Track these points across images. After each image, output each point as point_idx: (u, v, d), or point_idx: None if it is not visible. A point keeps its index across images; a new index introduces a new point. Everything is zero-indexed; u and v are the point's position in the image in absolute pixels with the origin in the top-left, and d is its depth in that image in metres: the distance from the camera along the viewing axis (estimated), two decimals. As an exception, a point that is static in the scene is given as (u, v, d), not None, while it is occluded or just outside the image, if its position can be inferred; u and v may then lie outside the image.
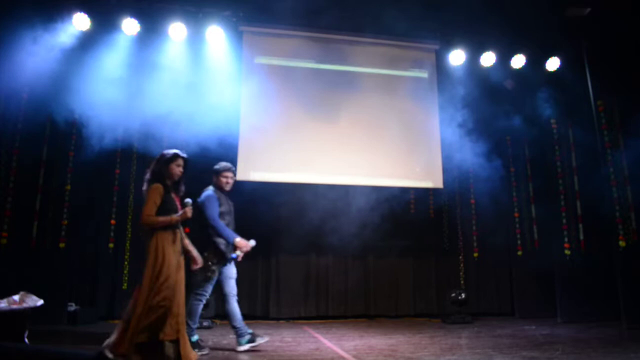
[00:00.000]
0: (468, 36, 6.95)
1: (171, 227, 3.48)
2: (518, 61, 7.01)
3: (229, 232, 4.29)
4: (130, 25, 6.12)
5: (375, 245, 7.03)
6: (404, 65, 7.10)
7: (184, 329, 3.43)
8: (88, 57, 5.99)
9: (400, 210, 6.86)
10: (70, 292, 5.97)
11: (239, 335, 4.30)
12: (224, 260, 4.31)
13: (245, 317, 5.00)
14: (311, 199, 6.48)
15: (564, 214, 6.92)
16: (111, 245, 6.37)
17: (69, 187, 6.08)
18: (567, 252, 6.74)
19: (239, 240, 4.29)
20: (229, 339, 4.85)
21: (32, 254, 5.77)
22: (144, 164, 6.48)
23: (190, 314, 4.15)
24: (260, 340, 4.28)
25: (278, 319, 6.58)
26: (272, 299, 6.70)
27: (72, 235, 6.00)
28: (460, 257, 7.36)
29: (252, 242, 4.35)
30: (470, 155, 7.16)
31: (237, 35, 6.64)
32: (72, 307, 5.84)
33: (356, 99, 6.85)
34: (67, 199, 6.05)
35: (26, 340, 3.81)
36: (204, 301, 4.33)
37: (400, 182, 6.80)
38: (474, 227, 7.39)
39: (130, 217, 6.46)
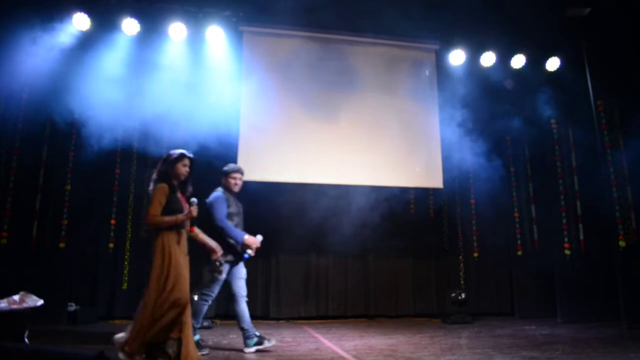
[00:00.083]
0: (468, 36, 6.95)
1: (177, 227, 3.48)
2: (518, 61, 7.00)
3: (237, 232, 4.30)
4: (130, 25, 6.12)
5: (375, 245, 7.03)
6: (404, 65, 7.10)
7: (187, 328, 3.43)
8: (88, 57, 5.99)
9: (400, 210, 6.87)
10: (70, 292, 5.97)
11: (246, 337, 4.30)
12: (235, 258, 4.31)
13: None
14: (311, 198, 6.49)
15: (564, 214, 6.92)
16: (111, 245, 6.38)
17: (69, 187, 6.08)
18: (567, 252, 6.74)
19: (247, 237, 4.31)
20: (229, 339, 4.86)
21: (32, 254, 5.77)
22: (144, 164, 6.50)
23: (194, 313, 4.16)
24: (267, 344, 4.28)
25: (278, 319, 6.58)
26: (272, 299, 6.70)
27: (72, 235, 6.00)
28: (460, 257, 7.36)
29: (259, 237, 4.38)
30: (470, 155, 7.16)
31: (237, 35, 6.63)
32: (72, 307, 5.85)
33: (356, 99, 6.85)
34: (67, 199, 6.05)
35: (26, 340, 3.81)
36: (210, 302, 4.32)
37: (400, 182, 6.79)
38: (474, 227, 7.39)
39: (130, 217, 6.46)
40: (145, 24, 6.20)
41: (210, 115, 5.85)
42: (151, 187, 3.56)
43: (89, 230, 6.27)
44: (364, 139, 6.76)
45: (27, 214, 5.83)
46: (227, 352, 4.27)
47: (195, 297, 4.58)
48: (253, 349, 4.25)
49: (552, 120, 7.11)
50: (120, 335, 3.41)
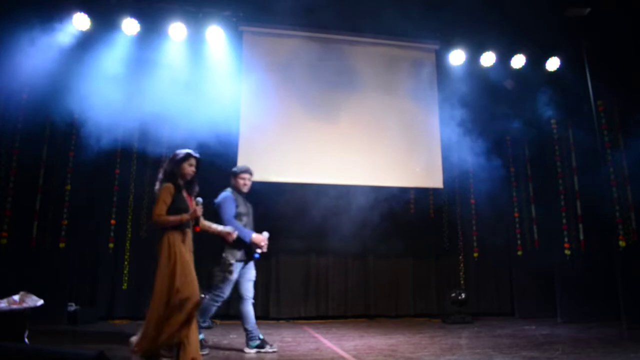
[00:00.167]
0: (468, 36, 6.95)
1: (182, 226, 3.49)
2: (518, 61, 7.01)
3: (244, 231, 4.30)
4: (130, 25, 6.12)
5: (375, 245, 7.03)
6: (404, 65, 7.10)
7: (193, 325, 3.41)
8: (88, 57, 5.99)
9: (400, 210, 6.87)
10: (70, 292, 5.97)
11: (249, 338, 4.30)
12: (246, 258, 4.32)
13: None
14: (311, 198, 6.49)
15: (564, 214, 6.92)
16: (111, 245, 6.38)
17: (69, 187, 6.08)
18: (567, 252, 6.74)
19: (255, 236, 4.33)
20: (229, 339, 4.86)
21: (32, 254, 5.77)
22: (144, 164, 6.50)
23: (202, 312, 4.18)
24: (269, 349, 4.27)
25: (278, 319, 6.58)
26: (272, 299, 6.70)
27: (72, 235, 6.00)
28: (460, 257, 7.36)
29: (266, 234, 4.40)
30: (470, 155, 7.16)
31: (237, 35, 6.63)
32: (72, 307, 5.85)
33: (356, 99, 6.85)
34: (67, 199, 6.05)
35: (26, 340, 3.81)
36: (220, 303, 4.31)
37: (400, 182, 6.79)
38: (474, 227, 7.39)
39: (130, 217, 6.46)
40: (145, 24, 6.20)
41: (210, 115, 5.85)
42: (157, 186, 3.57)
43: (89, 230, 6.27)
44: (364, 139, 6.77)
45: (27, 214, 5.83)
46: (227, 352, 4.27)
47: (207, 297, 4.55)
48: (254, 350, 4.26)
49: (552, 120, 7.11)
50: (134, 338, 3.41)
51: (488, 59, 7.00)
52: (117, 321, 6.14)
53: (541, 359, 3.95)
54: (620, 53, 6.18)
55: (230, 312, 6.20)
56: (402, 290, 7.13)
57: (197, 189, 3.71)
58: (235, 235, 3.99)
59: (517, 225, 7.33)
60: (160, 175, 3.59)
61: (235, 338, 4.84)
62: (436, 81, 7.14)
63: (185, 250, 3.47)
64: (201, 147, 5.61)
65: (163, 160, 6.43)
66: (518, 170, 7.47)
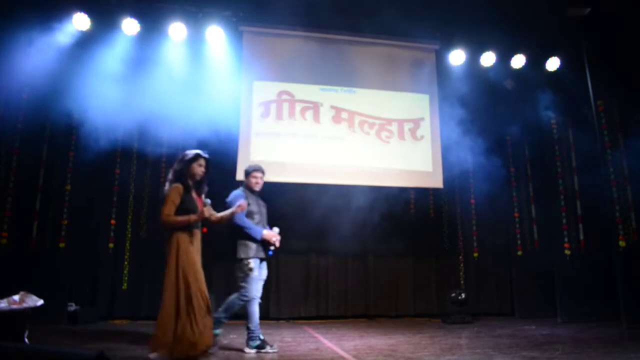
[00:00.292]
0: (468, 36, 6.95)
1: (190, 226, 3.49)
2: (518, 61, 7.01)
3: (255, 229, 4.30)
4: (130, 25, 6.12)
5: (375, 245, 7.03)
6: (404, 65, 7.10)
7: (196, 314, 3.42)
8: (88, 57, 5.99)
9: (400, 210, 6.87)
10: (70, 292, 5.97)
11: (250, 338, 4.30)
12: (264, 254, 4.32)
13: (245, 316, 5.01)
14: (311, 199, 6.49)
15: (564, 214, 6.92)
16: (111, 245, 6.38)
17: (69, 187, 6.08)
18: (567, 252, 6.74)
19: (266, 232, 4.34)
20: (229, 338, 4.85)
21: (32, 254, 5.77)
22: (144, 164, 6.51)
23: (226, 308, 4.22)
24: (269, 349, 4.27)
25: (278, 319, 6.58)
26: (272, 299, 6.70)
27: (72, 235, 6.00)
28: (460, 257, 7.36)
29: (276, 229, 4.43)
30: (470, 155, 7.17)
31: (237, 35, 6.64)
32: (72, 307, 5.85)
33: (356, 99, 6.86)
34: (67, 199, 6.05)
35: (26, 340, 3.81)
36: (244, 303, 4.28)
37: (400, 182, 6.80)
38: (474, 227, 7.39)
39: (130, 217, 6.46)
40: (145, 24, 6.20)
41: (210, 115, 5.85)
42: (166, 186, 3.58)
43: (89, 230, 6.26)
44: (364, 138, 6.77)
45: (27, 214, 5.83)
46: (227, 352, 4.26)
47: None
48: (254, 350, 4.26)
49: (552, 120, 7.10)
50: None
51: (488, 59, 7.00)
52: (117, 321, 6.14)
53: (541, 359, 3.95)
54: (620, 53, 6.18)
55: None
56: (402, 290, 7.13)
57: (206, 189, 3.73)
58: (245, 203, 3.93)
59: (517, 225, 7.33)
60: (170, 176, 3.61)
61: (235, 338, 4.84)
62: (436, 81, 7.14)
63: (193, 251, 3.48)
64: (201, 147, 5.59)
65: (163, 160, 6.52)
66: (518, 170, 7.47)
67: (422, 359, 3.98)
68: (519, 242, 7.27)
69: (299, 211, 6.44)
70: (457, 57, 7.03)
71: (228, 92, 6.31)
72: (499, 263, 7.35)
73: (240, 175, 6.05)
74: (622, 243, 6.01)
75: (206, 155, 3.69)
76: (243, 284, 4.24)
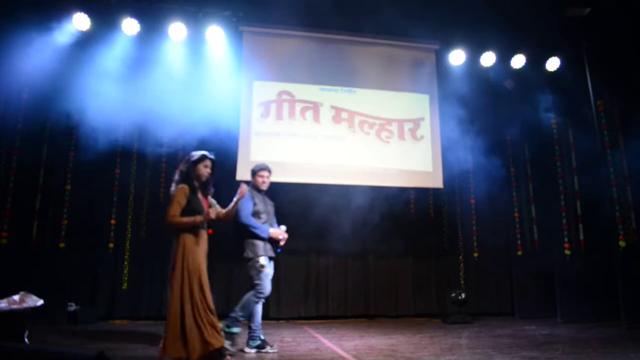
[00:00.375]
0: (468, 36, 6.95)
1: (196, 227, 3.50)
2: (518, 61, 7.00)
3: (261, 227, 4.30)
4: (130, 25, 6.12)
5: (375, 245, 7.03)
6: (404, 65, 7.10)
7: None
8: (88, 57, 6.00)
9: (400, 210, 6.87)
10: (70, 292, 5.97)
11: (250, 337, 4.31)
12: (274, 252, 4.33)
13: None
14: (311, 199, 6.49)
15: (564, 214, 6.92)
16: (111, 245, 6.38)
17: (69, 187, 6.08)
18: (567, 252, 6.74)
19: (272, 231, 4.35)
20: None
21: (32, 254, 5.77)
22: (143, 164, 6.51)
23: (243, 307, 4.21)
24: (269, 349, 4.27)
25: (278, 319, 6.58)
26: (272, 298, 6.66)
27: (72, 235, 6.01)
28: (460, 257, 7.36)
29: (283, 227, 4.45)
30: (470, 155, 7.17)
31: (237, 35, 6.63)
32: (72, 307, 5.85)
33: (356, 99, 6.86)
34: (67, 199, 6.05)
35: (26, 340, 3.81)
36: (262, 300, 4.29)
37: (400, 182, 6.79)
38: (474, 227, 7.39)
39: (130, 217, 6.46)
40: (145, 24, 6.20)
41: (210, 115, 5.85)
42: (172, 187, 3.59)
43: (89, 230, 6.26)
44: (364, 138, 6.77)
45: (27, 214, 5.84)
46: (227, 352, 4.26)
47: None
48: (253, 350, 4.26)
49: (552, 120, 7.10)
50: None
51: (488, 59, 7.00)
52: (117, 321, 6.14)
53: (541, 359, 3.95)
54: (620, 53, 6.18)
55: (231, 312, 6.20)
56: (402, 290, 7.13)
57: (212, 190, 3.74)
58: (245, 188, 3.94)
59: (517, 225, 7.33)
60: (176, 177, 3.62)
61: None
62: (436, 81, 7.14)
63: (199, 251, 3.49)
64: (201, 147, 5.60)
65: (163, 160, 6.52)
66: (518, 170, 7.47)
67: (422, 359, 3.98)
68: (519, 242, 7.27)
69: (299, 211, 6.44)
70: (457, 57, 7.03)
71: (228, 92, 6.31)
72: (499, 263, 7.35)
73: (240, 175, 6.06)
74: (622, 243, 6.01)
75: (212, 156, 3.70)
76: (257, 282, 4.23)
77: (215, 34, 6.40)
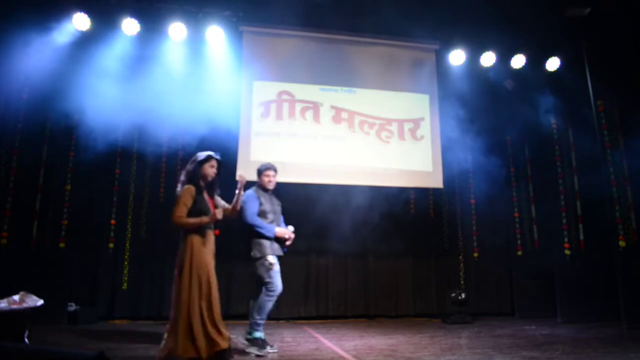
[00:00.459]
0: (468, 36, 6.95)
1: (203, 228, 3.50)
2: (518, 61, 7.01)
3: (267, 227, 4.30)
4: (130, 25, 6.12)
5: (375, 245, 7.03)
6: (404, 65, 7.10)
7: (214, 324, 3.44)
8: (88, 57, 5.99)
9: (400, 210, 6.87)
10: (70, 292, 5.97)
11: (251, 326, 4.30)
12: (274, 252, 4.32)
13: (246, 316, 5.01)
14: (311, 199, 6.49)
15: (564, 214, 6.92)
16: (111, 245, 6.37)
17: (69, 187, 6.09)
18: (567, 252, 6.74)
19: (278, 230, 4.35)
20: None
21: (32, 254, 5.77)
22: (143, 164, 6.51)
23: (259, 309, 4.19)
24: (269, 349, 4.25)
25: (278, 319, 6.57)
26: (272, 299, 6.69)
27: (72, 235, 6.01)
28: (460, 257, 7.36)
29: (291, 228, 4.45)
30: (470, 155, 7.18)
31: (237, 35, 6.63)
32: (72, 307, 5.85)
33: (356, 99, 6.86)
34: (67, 199, 6.05)
35: (26, 340, 3.81)
36: (275, 297, 4.26)
37: (400, 182, 6.79)
38: (474, 227, 7.39)
39: (130, 217, 6.46)
40: (145, 24, 6.20)
41: (210, 115, 5.85)
42: (178, 188, 3.59)
43: (89, 230, 6.26)
44: (364, 138, 6.77)
45: (27, 214, 5.84)
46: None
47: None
48: (246, 344, 4.25)
49: (552, 120, 7.10)
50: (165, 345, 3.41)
51: (488, 59, 7.00)
52: (117, 321, 6.14)
53: (541, 359, 3.95)
54: (620, 53, 6.18)
55: (231, 312, 6.21)
56: (402, 290, 7.12)
57: (218, 190, 3.74)
58: (244, 177, 3.89)
59: (517, 225, 7.33)
60: (182, 177, 3.62)
61: (235, 338, 4.83)
62: (436, 81, 7.14)
63: (206, 252, 3.49)
64: (201, 147, 5.61)
65: (163, 160, 6.52)
66: (518, 170, 7.47)
67: (422, 359, 3.99)
68: (519, 242, 7.27)
69: (299, 211, 6.42)
70: (457, 57, 7.03)
71: (228, 92, 6.31)
72: (499, 263, 7.34)
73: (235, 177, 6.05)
74: (622, 243, 6.01)
75: (218, 157, 3.71)
76: (268, 280, 4.22)
77: (215, 34, 6.40)
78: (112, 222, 6.39)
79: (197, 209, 3.49)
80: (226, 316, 6.08)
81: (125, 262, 6.37)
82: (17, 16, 5.64)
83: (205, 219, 3.49)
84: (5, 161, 5.83)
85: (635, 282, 5.74)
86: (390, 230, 6.86)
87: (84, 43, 6.04)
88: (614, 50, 6.21)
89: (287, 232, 4.42)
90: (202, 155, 3.66)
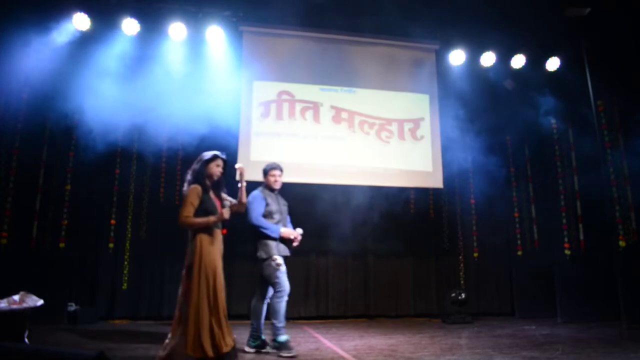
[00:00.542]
0: (468, 36, 6.95)
1: (210, 227, 3.50)
2: (518, 61, 7.01)
3: (272, 227, 4.27)
4: (130, 25, 6.12)
5: (375, 245, 7.04)
6: (403, 65, 7.10)
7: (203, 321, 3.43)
8: (88, 57, 5.99)
9: (400, 210, 6.87)
10: (70, 292, 5.97)
11: (251, 336, 4.32)
12: (281, 252, 4.30)
13: (246, 316, 5.01)
14: (311, 199, 6.47)
15: (564, 214, 6.93)
16: (111, 245, 6.37)
17: (69, 187, 6.09)
18: (567, 252, 6.74)
19: (284, 230, 4.31)
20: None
21: (32, 254, 5.77)
22: (144, 164, 6.50)
23: (274, 313, 4.15)
24: (269, 350, 4.26)
25: (278, 319, 6.57)
26: (272, 299, 6.69)
27: (72, 235, 6.01)
28: (460, 257, 7.36)
29: (300, 230, 4.42)
30: (470, 155, 7.17)
31: (237, 35, 6.63)
32: (72, 307, 5.84)
33: (356, 99, 6.86)
34: (67, 199, 6.06)
35: (26, 340, 3.81)
36: (286, 297, 4.23)
37: (400, 181, 6.79)
38: (474, 227, 7.39)
39: (130, 217, 6.46)
40: (145, 24, 6.20)
41: (210, 115, 5.85)
42: (185, 187, 3.59)
43: (89, 230, 6.26)
44: (364, 138, 6.77)
45: (27, 214, 5.84)
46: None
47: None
48: (253, 350, 4.26)
49: (552, 120, 7.11)
50: (169, 344, 3.39)
51: (488, 59, 7.00)
52: (117, 321, 6.14)
53: (541, 359, 3.95)
54: (620, 53, 6.18)
55: (231, 312, 6.19)
56: (402, 290, 7.12)
57: (224, 190, 3.75)
58: (243, 167, 3.91)
59: (517, 225, 7.33)
60: (189, 177, 3.62)
61: (234, 338, 4.83)
62: (436, 81, 7.14)
63: (214, 251, 3.49)
64: (201, 147, 5.61)
65: (163, 160, 6.52)
66: (518, 170, 7.47)
67: (422, 359, 3.99)
68: (519, 242, 7.27)
69: (299, 211, 6.41)
70: (457, 57, 7.03)
71: (228, 92, 6.30)
72: (499, 263, 7.35)
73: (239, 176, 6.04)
74: (622, 243, 6.01)
75: (224, 156, 3.72)
76: (276, 281, 4.20)
77: (215, 34, 6.40)
78: (112, 222, 6.39)
79: (204, 208, 3.50)
80: (231, 316, 6.12)
81: (125, 262, 6.37)
82: (17, 16, 5.64)
83: (212, 218, 3.49)
84: (5, 161, 5.83)
85: (635, 282, 5.75)
86: (390, 230, 6.86)
87: (84, 43, 6.04)
88: (614, 50, 6.22)
89: (293, 232, 4.38)
90: (208, 154, 3.67)
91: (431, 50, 7.18)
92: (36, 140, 5.97)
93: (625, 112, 6.28)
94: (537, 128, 7.15)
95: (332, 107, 6.77)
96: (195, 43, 6.43)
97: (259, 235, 4.26)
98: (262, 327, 4.34)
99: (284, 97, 6.69)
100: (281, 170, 4.56)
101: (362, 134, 6.78)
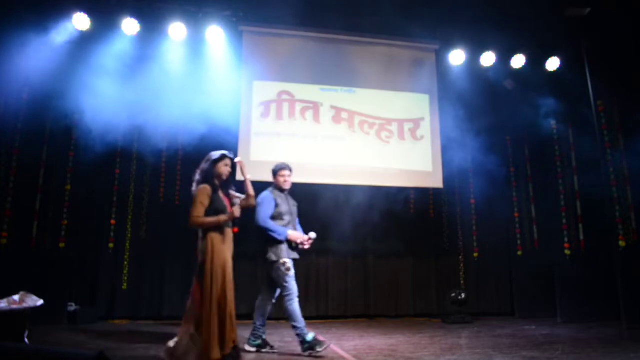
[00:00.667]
0: (468, 36, 6.95)
1: (221, 227, 3.50)
2: (518, 61, 7.01)
3: (279, 229, 4.23)
4: (130, 25, 6.12)
5: (375, 245, 7.04)
6: (403, 65, 7.11)
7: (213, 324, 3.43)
8: (88, 57, 5.99)
9: (400, 210, 6.87)
10: (70, 292, 5.97)
11: (253, 335, 4.32)
12: (290, 255, 4.26)
13: (246, 317, 5.02)
14: (311, 199, 6.47)
15: (564, 214, 6.93)
16: (111, 245, 6.37)
17: (69, 187, 6.09)
18: (567, 252, 6.74)
19: (291, 233, 4.26)
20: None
21: (32, 254, 5.77)
22: (143, 164, 6.50)
23: (290, 316, 4.10)
24: (269, 350, 4.26)
25: (278, 319, 6.56)
26: (272, 299, 6.69)
27: (72, 235, 6.01)
28: (460, 257, 7.36)
29: (313, 235, 4.36)
30: (470, 155, 7.17)
31: (237, 35, 6.63)
32: (72, 307, 5.84)
33: (356, 99, 6.86)
34: (67, 199, 6.06)
35: (26, 340, 3.81)
36: (296, 298, 4.17)
37: (399, 181, 6.79)
38: (474, 227, 7.39)
39: (130, 217, 6.46)
40: (145, 24, 6.20)
41: (210, 115, 5.85)
42: (194, 187, 3.59)
43: (89, 230, 6.26)
44: (364, 138, 6.77)
45: (27, 214, 5.84)
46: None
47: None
48: (254, 349, 4.26)
49: (552, 121, 7.11)
50: (173, 345, 3.38)
51: (488, 59, 7.00)
52: (117, 321, 6.14)
53: (541, 359, 3.95)
54: (620, 53, 6.18)
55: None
56: (402, 290, 7.12)
57: (233, 189, 3.75)
58: (242, 161, 3.88)
59: (517, 225, 7.33)
60: (197, 177, 3.62)
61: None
62: (436, 81, 7.15)
63: (225, 250, 3.50)
64: (201, 147, 5.63)
65: (163, 160, 6.52)
66: (518, 170, 7.47)
67: (422, 359, 3.99)
68: (519, 242, 7.27)
69: (299, 211, 6.43)
70: (457, 57, 7.03)
71: (228, 91, 6.31)
72: (499, 263, 7.34)
73: (239, 176, 6.04)
74: (622, 243, 6.01)
75: (232, 156, 3.72)
76: (285, 284, 4.16)
77: (215, 34, 6.40)
78: (112, 222, 6.39)
79: (214, 207, 3.50)
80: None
81: (125, 262, 6.37)
82: (17, 16, 5.64)
83: (223, 217, 3.49)
84: (5, 161, 5.83)
85: (635, 282, 5.75)
86: (390, 230, 6.86)
87: (84, 43, 6.04)
88: (614, 50, 6.21)
89: (301, 237, 4.31)
90: (216, 154, 3.67)
91: (431, 50, 7.19)
92: (36, 140, 5.97)
93: (625, 112, 6.28)
94: (537, 128, 7.15)
95: (332, 107, 6.78)
96: (195, 43, 6.43)
97: (270, 238, 4.22)
98: (264, 327, 4.34)
99: (284, 97, 6.69)
100: (290, 170, 4.52)
101: (362, 134, 6.79)
